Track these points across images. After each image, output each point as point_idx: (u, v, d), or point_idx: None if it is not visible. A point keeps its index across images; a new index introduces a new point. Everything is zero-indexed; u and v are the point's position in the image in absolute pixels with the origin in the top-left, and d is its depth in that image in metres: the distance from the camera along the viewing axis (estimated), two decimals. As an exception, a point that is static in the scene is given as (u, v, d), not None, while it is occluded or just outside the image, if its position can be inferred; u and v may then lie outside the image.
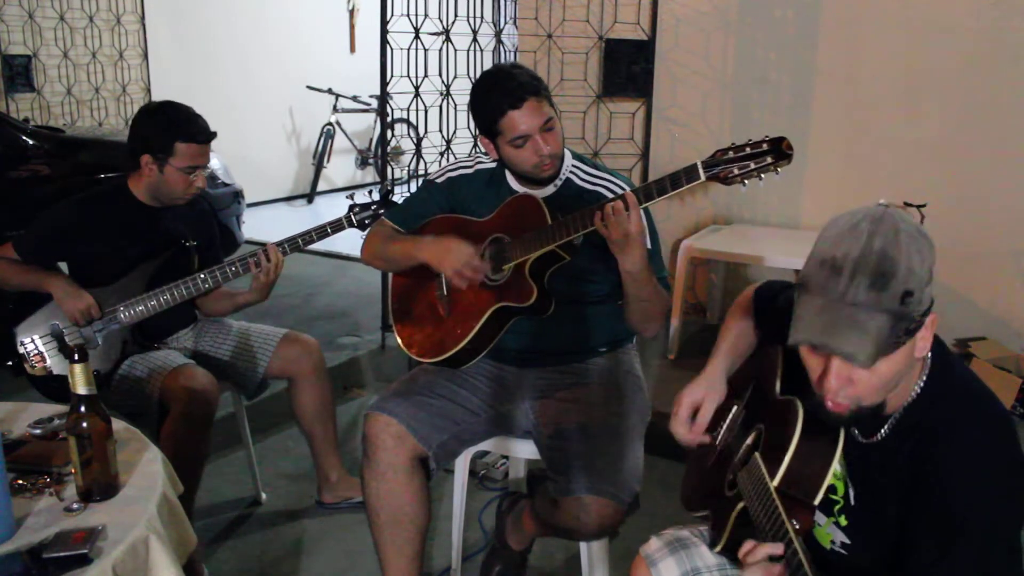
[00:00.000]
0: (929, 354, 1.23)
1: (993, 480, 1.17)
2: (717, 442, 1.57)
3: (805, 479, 1.28)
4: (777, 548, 1.17)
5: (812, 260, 1.16)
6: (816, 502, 1.27)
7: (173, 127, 2.29)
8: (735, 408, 1.58)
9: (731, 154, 1.64)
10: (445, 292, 2.07)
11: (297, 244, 2.37)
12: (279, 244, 2.37)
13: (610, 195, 1.97)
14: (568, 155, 2.03)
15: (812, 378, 1.22)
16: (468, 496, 2.23)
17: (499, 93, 1.89)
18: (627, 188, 1.97)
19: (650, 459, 2.04)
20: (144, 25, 6.33)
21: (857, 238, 1.12)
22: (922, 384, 1.24)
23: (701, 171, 1.66)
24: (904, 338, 1.13)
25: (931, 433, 1.21)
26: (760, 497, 1.27)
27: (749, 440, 1.45)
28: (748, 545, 1.22)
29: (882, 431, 1.27)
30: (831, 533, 1.36)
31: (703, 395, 1.55)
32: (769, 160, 1.60)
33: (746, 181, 1.63)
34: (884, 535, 1.28)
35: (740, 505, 1.35)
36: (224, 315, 2.59)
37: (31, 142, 3.93)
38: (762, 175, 1.62)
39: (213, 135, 2.34)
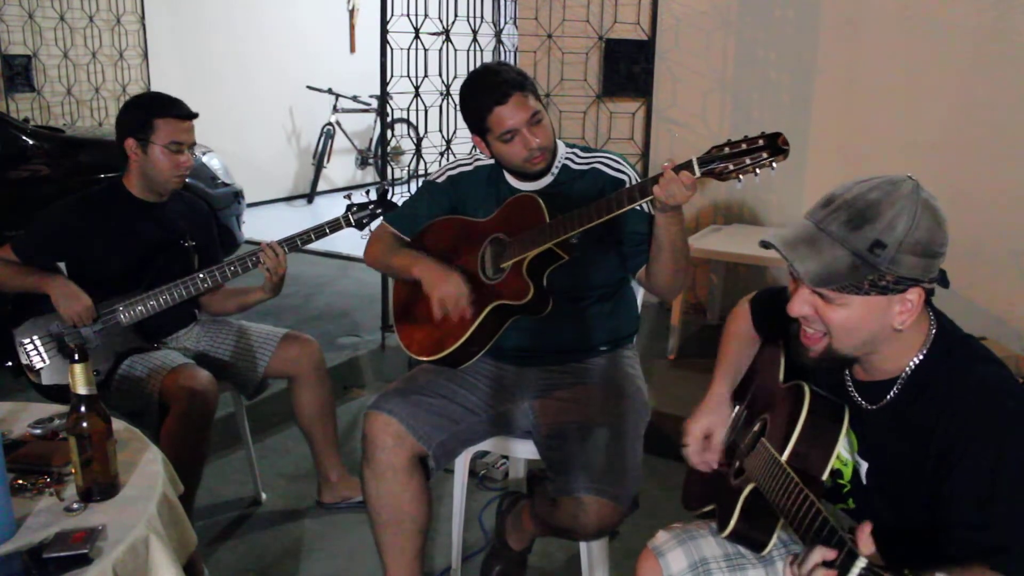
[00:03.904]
0: (935, 325, 1.28)
1: (1017, 421, 1.17)
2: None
3: (812, 457, 1.29)
4: (830, 553, 1.02)
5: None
6: (824, 477, 1.28)
7: (150, 107, 2.37)
8: (736, 408, 1.59)
9: (727, 150, 1.59)
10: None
11: (295, 244, 2.37)
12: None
13: (606, 168, 2.02)
14: (561, 146, 2.07)
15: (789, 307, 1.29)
16: (468, 496, 2.23)
17: (485, 90, 1.92)
18: (621, 161, 2.04)
19: (650, 459, 2.05)
20: (144, 25, 6.32)
21: (860, 186, 1.21)
22: (927, 348, 1.27)
23: (696, 167, 1.62)
24: (869, 289, 1.18)
25: (943, 388, 1.23)
26: (772, 473, 1.27)
27: (756, 428, 1.45)
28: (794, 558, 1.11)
29: (889, 394, 1.29)
30: None
31: (709, 424, 1.56)
32: (765, 156, 1.56)
33: (741, 177, 1.59)
34: (894, 512, 1.29)
35: (750, 487, 1.35)
36: (232, 314, 2.60)
37: (31, 142, 3.92)
38: (758, 170, 1.58)
39: (195, 114, 2.40)
